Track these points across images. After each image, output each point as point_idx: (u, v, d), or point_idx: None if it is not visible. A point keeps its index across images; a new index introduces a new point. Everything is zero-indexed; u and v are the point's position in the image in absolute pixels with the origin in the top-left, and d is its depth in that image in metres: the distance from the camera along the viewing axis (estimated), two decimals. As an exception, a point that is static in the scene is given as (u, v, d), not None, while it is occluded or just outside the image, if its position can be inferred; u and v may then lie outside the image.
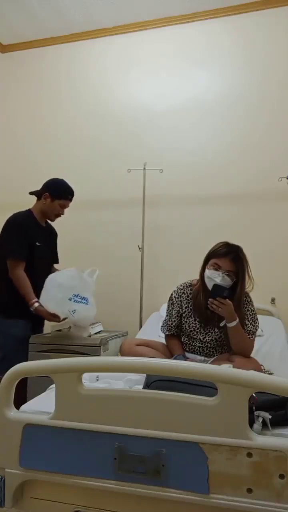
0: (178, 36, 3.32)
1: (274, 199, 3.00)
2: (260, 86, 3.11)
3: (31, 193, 2.48)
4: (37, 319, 2.40)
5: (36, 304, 2.24)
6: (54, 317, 2.25)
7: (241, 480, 1.01)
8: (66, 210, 2.53)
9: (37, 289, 2.27)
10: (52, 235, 2.64)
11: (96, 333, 2.45)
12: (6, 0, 3.17)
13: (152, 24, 3.37)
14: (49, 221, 2.59)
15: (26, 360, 2.19)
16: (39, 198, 2.46)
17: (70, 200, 2.47)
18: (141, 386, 1.31)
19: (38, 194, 2.45)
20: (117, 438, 1.09)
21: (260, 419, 1.12)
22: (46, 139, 3.59)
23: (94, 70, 3.52)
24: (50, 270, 2.56)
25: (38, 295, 2.26)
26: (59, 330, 2.40)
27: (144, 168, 3.14)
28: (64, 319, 2.28)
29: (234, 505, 1.01)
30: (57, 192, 2.42)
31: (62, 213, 2.49)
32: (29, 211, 2.47)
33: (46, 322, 2.47)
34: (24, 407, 1.32)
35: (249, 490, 1.00)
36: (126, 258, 3.26)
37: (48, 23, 3.44)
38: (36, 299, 2.25)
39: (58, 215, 2.48)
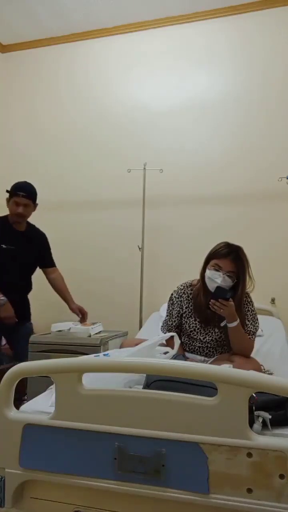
0: (178, 36, 3.32)
1: (274, 199, 3.00)
2: (260, 86, 3.11)
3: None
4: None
5: (4, 299, 2.33)
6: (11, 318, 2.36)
7: (241, 480, 1.01)
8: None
9: (5, 292, 2.37)
10: (31, 238, 2.57)
11: (96, 333, 2.46)
12: (6, 0, 3.17)
13: (152, 24, 3.37)
14: (34, 225, 2.62)
15: None
16: None
17: (23, 196, 2.42)
18: (141, 386, 1.31)
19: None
20: (117, 438, 1.09)
21: (260, 419, 1.12)
22: (46, 139, 3.59)
23: (94, 70, 3.52)
24: (27, 272, 2.59)
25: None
26: (60, 331, 2.40)
27: (144, 168, 3.14)
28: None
29: (234, 505, 1.01)
30: (10, 192, 2.46)
31: (21, 211, 2.43)
32: (5, 216, 2.52)
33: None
34: (24, 407, 1.32)
35: (249, 490, 1.00)
36: (126, 258, 3.27)
37: (48, 23, 3.44)
38: (2, 296, 2.34)
39: (18, 214, 2.43)
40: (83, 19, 3.38)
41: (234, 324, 1.81)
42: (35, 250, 2.60)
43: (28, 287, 2.61)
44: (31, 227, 2.61)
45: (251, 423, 1.08)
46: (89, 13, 3.31)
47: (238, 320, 1.81)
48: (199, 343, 1.96)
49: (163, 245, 3.23)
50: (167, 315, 2.07)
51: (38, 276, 2.65)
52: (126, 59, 3.44)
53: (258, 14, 3.14)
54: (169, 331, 2.03)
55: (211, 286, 1.85)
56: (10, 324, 2.38)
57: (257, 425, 1.10)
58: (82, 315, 2.61)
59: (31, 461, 1.15)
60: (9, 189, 2.46)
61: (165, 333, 2.07)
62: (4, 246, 2.43)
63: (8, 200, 2.46)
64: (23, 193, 2.43)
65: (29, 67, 3.70)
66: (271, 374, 1.75)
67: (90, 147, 3.47)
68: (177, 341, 1.83)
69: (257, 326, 1.93)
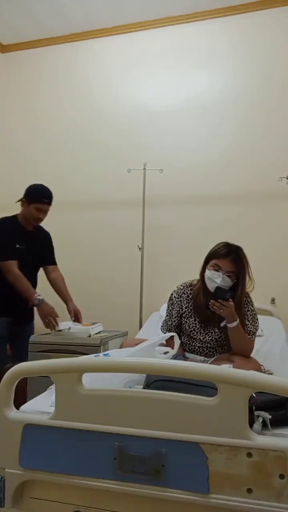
0: (178, 36, 3.32)
1: (274, 199, 3.00)
2: (260, 86, 3.11)
3: (17, 201, 2.50)
4: (18, 319, 2.49)
5: (40, 297, 2.35)
6: (51, 316, 2.36)
7: (241, 480, 1.01)
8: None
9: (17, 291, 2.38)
10: (38, 238, 2.60)
11: (96, 333, 2.46)
12: (6, 0, 3.17)
13: (152, 24, 3.37)
14: (40, 225, 2.61)
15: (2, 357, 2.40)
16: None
17: (47, 203, 2.45)
18: (141, 386, 1.31)
19: (20, 200, 2.50)
20: (117, 438, 1.09)
21: (260, 419, 1.12)
22: (46, 139, 3.59)
23: (94, 70, 3.52)
24: (34, 271, 2.61)
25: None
26: (59, 330, 2.40)
27: (144, 168, 3.14)
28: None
29: (234, 505, 1.01)
30: (30, 197, 2.43)
31: (41, 217, 2.47)
32: (14, 216, 2.52)
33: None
34: (24, 407, 1.32)
35: (249, 490, 1.00)
36: (126, 258, 3.27)
37: (48, 23, 3.44)
38: (38, 294, 2.37)
39: (37, 219, 2.46)
40: (83, 19, 3.38)
41: (234, 324, 1.81)
42: (41, 249, 2.63)
43: (35, 285, 2.62)
44: (37, 226, 2.61)
45: (251, 423, 1.08)
46: (89, 13, 3.31)
47: (238, 320, 1.81)
48: (199, 343, 1.96)
49: (163, 245, 3.23)
50: (167, 315, 2.07)
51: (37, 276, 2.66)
52: (126, 59, 3.44)
53: (258, 14, 3.14)
54: (169, 331, 2.03)
55: (211, 286, 1.85)
56: (49, 325, 2.37)
57: (257, 425, 1.10)
58: (76, 318, 2.59)
59: (31, 461, 1.15)
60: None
61: (165, 333, 2.07)
62: (18, 246, 2.44)
63: (26, 204, 2.43)
64: (48, 200, 2.44)
65: (29, 67, 3.70)
66: (271, 374, 1.75)
67: (90, 147, 3.46)
68: (177, 341, 1.83)
69: (257, 326, 1.93)
